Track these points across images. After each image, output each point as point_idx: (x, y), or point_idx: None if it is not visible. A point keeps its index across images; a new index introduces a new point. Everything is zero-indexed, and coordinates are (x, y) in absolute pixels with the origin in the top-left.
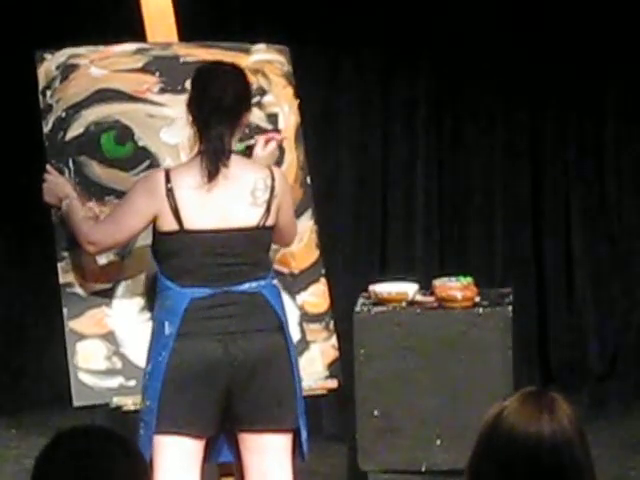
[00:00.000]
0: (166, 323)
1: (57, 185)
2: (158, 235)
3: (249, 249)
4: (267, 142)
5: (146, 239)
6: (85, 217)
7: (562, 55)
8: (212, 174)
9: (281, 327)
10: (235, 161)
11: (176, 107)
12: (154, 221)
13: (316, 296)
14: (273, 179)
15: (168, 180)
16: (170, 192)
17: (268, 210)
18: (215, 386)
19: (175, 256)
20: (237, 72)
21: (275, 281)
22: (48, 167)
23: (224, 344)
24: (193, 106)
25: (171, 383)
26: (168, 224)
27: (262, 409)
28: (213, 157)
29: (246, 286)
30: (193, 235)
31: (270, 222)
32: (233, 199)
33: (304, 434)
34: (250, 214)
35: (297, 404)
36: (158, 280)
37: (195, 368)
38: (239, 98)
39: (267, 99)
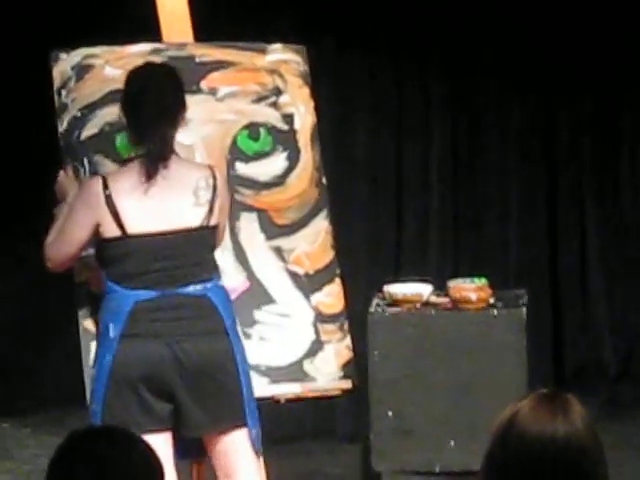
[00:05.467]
0: (110, 325)
1: (61, 185)
2: (101, 242)
3: (193, 250)
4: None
5: None
6: (52, 235)
7: (578, 56)
8: (151, 175)
9: (226, 330)
10: (175, 161)
11: (191, 107)
12: (97, 228)
13: (331, 297)
14: (215, 178)
15: (106, 187)
16: (109, 199)
17: (211, 210)
18: (161, 387)
19: (119, 261)
20: (170, 71)
21: (220, 281)
22: (61, 173)
23: (170, 347)
24: (129, 108)
25: (116, 385)
26: (110, 231)
27: (208, 412)
28: (155, 158)
29: (191, 288)
30: (136, 240)
31: (213, 221)
32: (175, 200)
33: (253, 432)
34: (193, 214)
35: (245, 404)
36: (104, 283)
37: (140, 370)
38: (176, 97)
39: (283, 99)
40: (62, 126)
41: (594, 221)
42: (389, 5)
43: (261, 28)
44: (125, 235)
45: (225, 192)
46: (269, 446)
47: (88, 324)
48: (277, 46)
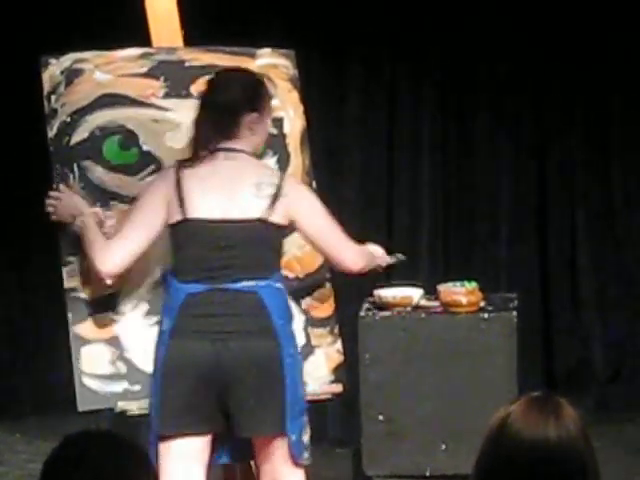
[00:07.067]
0: (165, 319)
1: (72, 202)
2: (168, 229)
3: (250, 243)
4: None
5: (152, 247)
6: (95, 240)
7: (568, 55)
8: (197, 164)
9: (275, 330)
10: (245, 159)
11: (181, 112)
12: (166, 213)
13: (321, 300)
14: (281, 179)
15: (177, 170)
16: (179, 182)
17: (273, 205)
18: (207, 385)
19: (179, 248)
20: (245, 76)
21: (279, 284)
22: (61, 187)
23: (214, 344)
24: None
25: (167, 380)
26: (175, 214)
27: (251, 414)
28: (193, 150)
29: (242, 284)
30: (195, 224)
31: (276, 219)
32: (237, 191)
33: (293, 437)
34: (253, 205)
35: (286, 409)
36: (166, 278)
37: (186, 367)
38: (231, 100)
39: (272, 103)
40: (52, 132)
41: (585, 224)
42: (381, 7)
43: (251, 32)
44: (185, 219)
45: (300, 199)
46: None
47: (78, 330)
48: (266, 50)
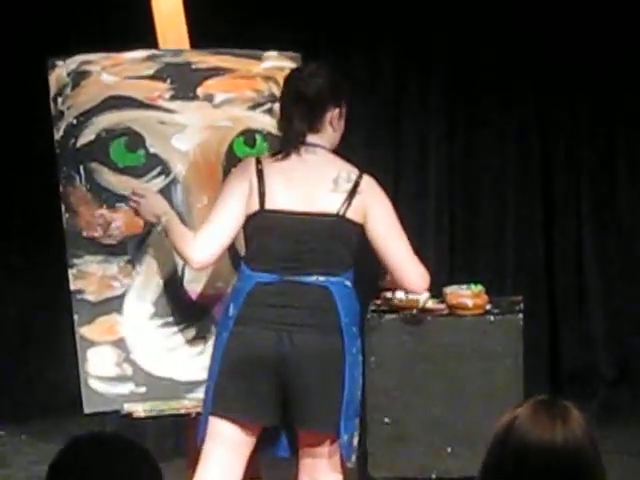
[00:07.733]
0: (231, 305)
1: (158, 202)
2: (245, 219)
3: (325, 238)
4: None
5: (159, 249)
6: (184, 233)
7: (573, 57)
8: (284, 158)
9: (340, 327)
10: (323, 155)
11: (187, 114)
12: (246, 203)
13: None
14: (360, 177)
15: (259, 162)
16: (260, 173)
17: (349, 201)
18: (266, 376)
19: (255, 238)
20: (323, 70)
21: (349, 282)
22: (138, 189)
23: (279, 335)
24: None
25: (227, 365)
26: (253, 205)
27: (306, 408)
28: (286, 144)
29: (314, 279)
30: (272, 215)
31: (352, 215)
32: (315, 185)
33: (345, 438)
34: (330, 200)
35: (342, 409)
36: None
37: (248, 355)
38: (320, 92)
39: (278, 106)
40: (58, 133)
41: (591, 226)
42: (388, 7)
43: (257, 35)
44: (262, 209)
45: (377, 201)
46: None
47: (84, 331)
48: (273, 53)
